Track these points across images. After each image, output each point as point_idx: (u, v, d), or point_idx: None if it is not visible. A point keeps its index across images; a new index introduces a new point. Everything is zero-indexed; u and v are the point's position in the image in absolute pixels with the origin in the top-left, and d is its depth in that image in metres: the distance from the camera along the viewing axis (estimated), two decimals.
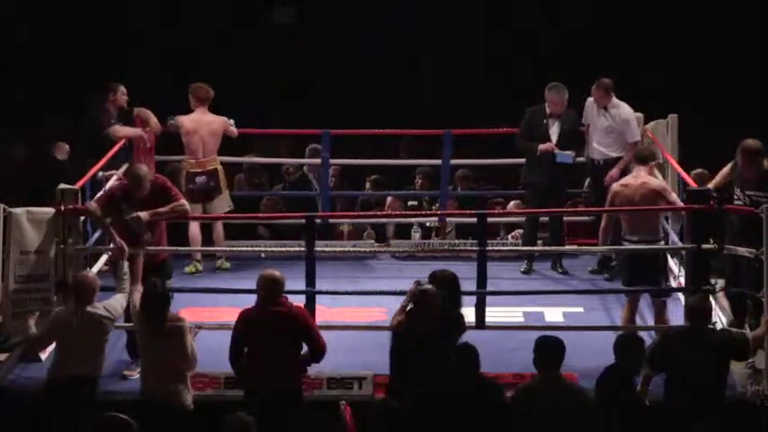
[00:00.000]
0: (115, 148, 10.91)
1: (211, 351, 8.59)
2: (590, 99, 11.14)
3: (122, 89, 11.41)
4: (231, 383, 8.54)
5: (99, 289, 8.43)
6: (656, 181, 9.76)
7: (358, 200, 12.62)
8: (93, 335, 8.24)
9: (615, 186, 9.66)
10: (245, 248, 11.01)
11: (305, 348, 8.13)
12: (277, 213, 11.91)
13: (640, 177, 9.54)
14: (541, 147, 11.01)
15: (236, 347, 8.11)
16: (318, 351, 8.12)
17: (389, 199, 12.31)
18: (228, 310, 9.05)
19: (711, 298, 9.08)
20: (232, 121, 11.35)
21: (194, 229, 11.03)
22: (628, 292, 9.51)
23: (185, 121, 11.21)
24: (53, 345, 8.56)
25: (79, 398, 8.04)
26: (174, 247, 10.03)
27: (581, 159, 11.24)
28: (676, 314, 9.42)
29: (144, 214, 9.05)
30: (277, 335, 8.03)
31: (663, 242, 9.74)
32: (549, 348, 7.70)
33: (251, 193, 12.53)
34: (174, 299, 9.12)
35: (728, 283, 9.43)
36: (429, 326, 8.05)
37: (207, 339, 8.65)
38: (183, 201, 9.37)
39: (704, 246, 9.07)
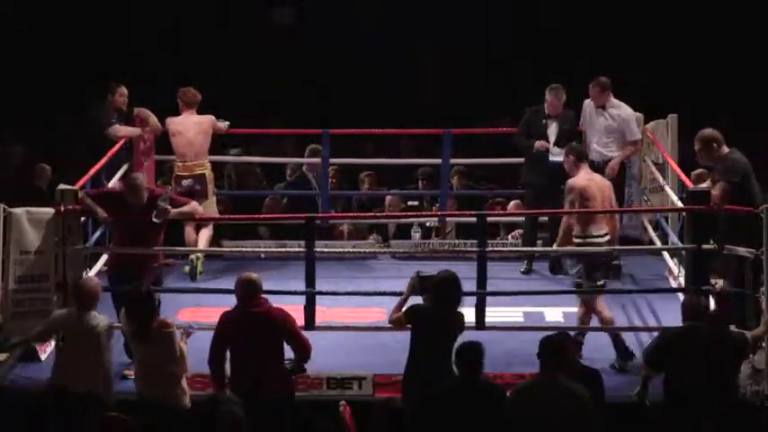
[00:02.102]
0: (115, 148, 10.91)
1: None
2: (587, 101, 11.13)
3: (122, 90, 11.39)
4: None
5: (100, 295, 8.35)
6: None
7: (353, 199, 12.59)
8: (90, 343, 8.12)
9: (581, 181, 9.44)
10: (245, 248, 11.00)
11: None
12: (277, 214, 11.89)
13: (593, 173, 9.62)
14: (537, 144, 11.03)
15: (216, 348, 8.09)
16: (303, 349, 8.05)
17: (389, 198, 12.30)
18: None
19: (711, 298, 9.09)
20: (227, 123, 11.34)
21: (190, 232, 11.01)
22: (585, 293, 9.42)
23: (171, 123, 11.15)
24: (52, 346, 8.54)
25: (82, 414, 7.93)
26: (172, 248, 10.06)
27: None
28: (677, 315, 9.41)
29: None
30: (257, 335, 7.99)
31: None
32: (553, 348, 7.69)
33: (251, 193, 12.50)
34: (166, 300, 9.15)
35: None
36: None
37: (205, 339, 8.63)
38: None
39: (704, 246, 9.08)
